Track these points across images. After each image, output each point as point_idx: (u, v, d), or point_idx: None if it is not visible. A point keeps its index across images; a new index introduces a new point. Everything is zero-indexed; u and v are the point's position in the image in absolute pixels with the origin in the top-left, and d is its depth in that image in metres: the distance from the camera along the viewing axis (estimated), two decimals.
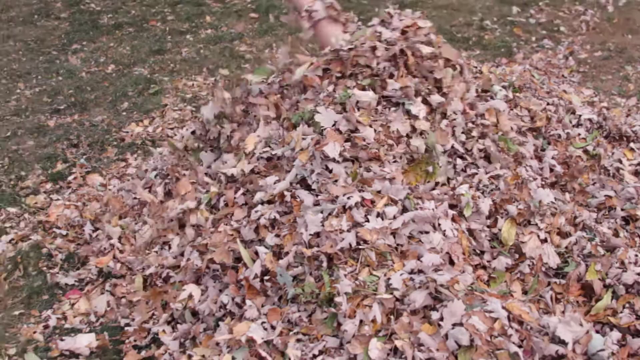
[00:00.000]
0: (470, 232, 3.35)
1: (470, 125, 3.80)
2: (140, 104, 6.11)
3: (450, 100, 3.78)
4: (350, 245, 3.05)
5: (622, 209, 3.81)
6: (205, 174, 3.96)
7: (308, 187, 3.48)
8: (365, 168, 3.46)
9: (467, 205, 3.38)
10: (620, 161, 4.40)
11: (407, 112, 3.68)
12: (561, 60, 6.83)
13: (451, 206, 3.41)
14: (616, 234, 3.58)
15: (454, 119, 3.74)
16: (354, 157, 3.49)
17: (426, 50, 3.86)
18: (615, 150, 4.51)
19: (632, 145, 4.60)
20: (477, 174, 3.64)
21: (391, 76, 3.76)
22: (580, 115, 4.57)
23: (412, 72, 3.81)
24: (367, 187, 3.35)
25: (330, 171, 3.43)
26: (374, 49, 3.79)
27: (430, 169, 3.55)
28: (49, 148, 5.40)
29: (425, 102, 3.75)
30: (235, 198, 3.62)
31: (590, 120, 4.60)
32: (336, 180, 3.38)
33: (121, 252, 3.88)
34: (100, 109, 6.10)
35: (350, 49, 3.84)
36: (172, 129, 5.58)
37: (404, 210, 3.27)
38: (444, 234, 3.15)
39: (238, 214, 3.54)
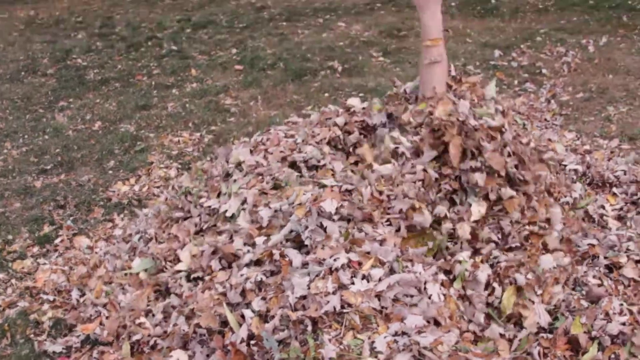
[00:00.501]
0: (462, 297, 3.36)
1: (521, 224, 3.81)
2: (127, 162, 6.13)
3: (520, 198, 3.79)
4: (334, 308, 3.06)
5: (605, 257, 3.83)
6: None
7: (301, 244, 3.50)
8: (358, 228, 3.48)
9: (460, 275, 3.39)
10: (603, 207, 4.43)
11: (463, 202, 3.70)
12: (543, 104, 6.87)
13: (447, 272, 3.43)
14: (600, 284, 3.60)
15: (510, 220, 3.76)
16: (350, 215, 3.52)
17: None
18: (599, 196, 4.54)
19: (614, 190, 4.64)
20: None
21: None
22: (565, 166, 4.61)
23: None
24: (357, 247, 3.36)
25: (325, 229, 3.45)
26: (488, 137, 3.73)
27: (430, 244, 3.54)
28: (35, 210, 5.41)
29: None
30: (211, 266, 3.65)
31: (575, 170, 4.64)
32: (329, 237, 3.40)
33: (107, 318, 3.87)
34: (86, 168, 6.12)
35: (475, 128, 3.73)
36: (158, 187, 5.59)
37: (392, 272, 3.27)
38: (429, 298, 3.16)
39: (220, 276, 3.55)
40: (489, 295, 3.39)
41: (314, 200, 3.55)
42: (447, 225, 3.56)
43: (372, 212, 3.55)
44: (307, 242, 3.45)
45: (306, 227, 3.48)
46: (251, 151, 4.34)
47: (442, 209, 3.59)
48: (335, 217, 3.49)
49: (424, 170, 3.70)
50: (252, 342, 3.20)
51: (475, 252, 3.60)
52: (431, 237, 3.54)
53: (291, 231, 3.56)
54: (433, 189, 3.66)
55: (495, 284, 3.40)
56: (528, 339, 3.24)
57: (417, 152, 3.82)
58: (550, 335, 3.26)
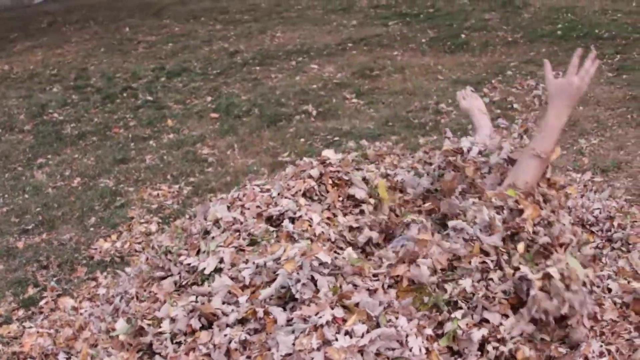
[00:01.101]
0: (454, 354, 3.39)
1: None
2: (107, 219, 6.18)
3: None
4: None
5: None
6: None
7: (285, 299, 3.56)
8: (347, 282, 3.54)
9: (447, 335, 3.41)
10: None
11: None
12: (516, 139, 6.93)
13: (440, 323, 3.46)
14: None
15: None
16: (339, 269, 3.57)
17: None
18: None
19: (592, 229, 4.70)
20: None
21: None
22: None
23: None
24: (345, 300, 3.40)
25: (315, 283, 3.50)
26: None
27: (425, 299, 3.54)
28: (19, 272, 5.44)
29: None
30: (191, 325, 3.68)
31: None
32: (317, 292, 3.45)
33: None
34: (67, 226, 6.16)
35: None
36: (139, 243, 5.64)
37: (378, 326, 3.32)
38: (410, 351, 3.20)
39: (203, 336, 3.59)
40: (481, 357, 3.41)
41: (303, 255, 3.60)
42: (449, 289, 3.57)
43: (363, 265, 3.61)
44: (297, 296, 3.49)
45: (298, 281, 3.53)
46: (228, 207, 4.40)
47: (468, 282, 3.60)
48: (325, 271, 3.54)
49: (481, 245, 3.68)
50: None
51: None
52: (427, 293, 3.57)
53: (281, 286, 3.61)
54: (474, 259, 3.64)
55: (489, 347, 3.40)
56: None
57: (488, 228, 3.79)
58: None
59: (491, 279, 3.59)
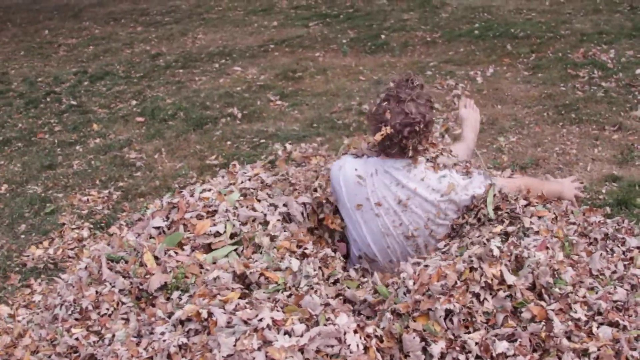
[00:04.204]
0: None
1: None
2: (38, 225, 6.20)
3: None
4: None
5: None
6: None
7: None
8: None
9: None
10: None
11: None
12: (439, 139, 7.13)
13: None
14: None
15: None
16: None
17: None
18: None
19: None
20: None
21: None
22: None
23: None
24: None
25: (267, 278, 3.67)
26: None
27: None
28: None
29: None
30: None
31: None
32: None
33: None
34: None
35: None
36: (72, 249, 5.68)
37: (317, 324, 3.46)
38: (348, 348, 3.33)
39: (144, 342, 3.68)
40: None
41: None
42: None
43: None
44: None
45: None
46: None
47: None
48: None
49: None
50: None
51: None
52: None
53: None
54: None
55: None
56: None
57: None
58: None
59: None
